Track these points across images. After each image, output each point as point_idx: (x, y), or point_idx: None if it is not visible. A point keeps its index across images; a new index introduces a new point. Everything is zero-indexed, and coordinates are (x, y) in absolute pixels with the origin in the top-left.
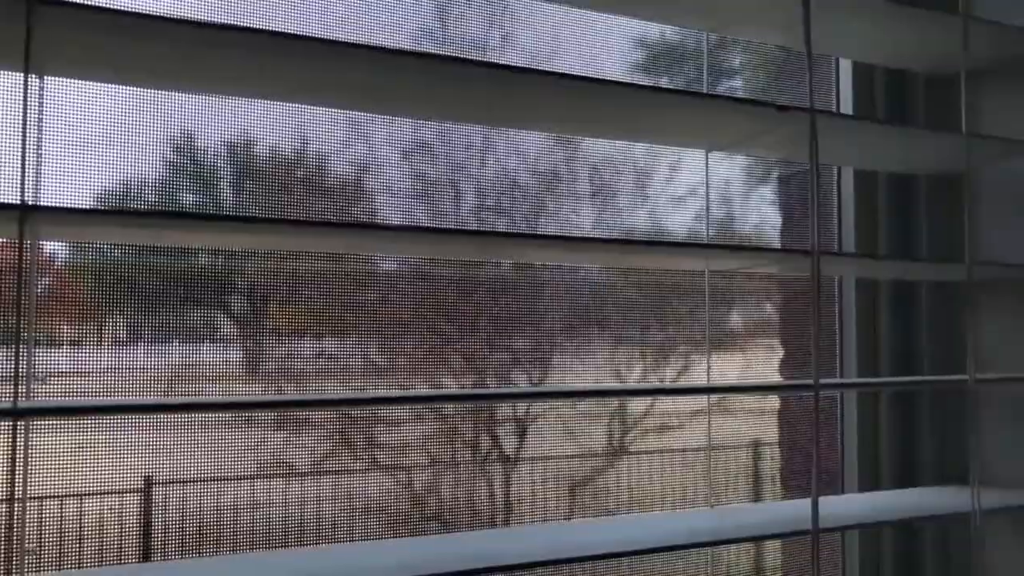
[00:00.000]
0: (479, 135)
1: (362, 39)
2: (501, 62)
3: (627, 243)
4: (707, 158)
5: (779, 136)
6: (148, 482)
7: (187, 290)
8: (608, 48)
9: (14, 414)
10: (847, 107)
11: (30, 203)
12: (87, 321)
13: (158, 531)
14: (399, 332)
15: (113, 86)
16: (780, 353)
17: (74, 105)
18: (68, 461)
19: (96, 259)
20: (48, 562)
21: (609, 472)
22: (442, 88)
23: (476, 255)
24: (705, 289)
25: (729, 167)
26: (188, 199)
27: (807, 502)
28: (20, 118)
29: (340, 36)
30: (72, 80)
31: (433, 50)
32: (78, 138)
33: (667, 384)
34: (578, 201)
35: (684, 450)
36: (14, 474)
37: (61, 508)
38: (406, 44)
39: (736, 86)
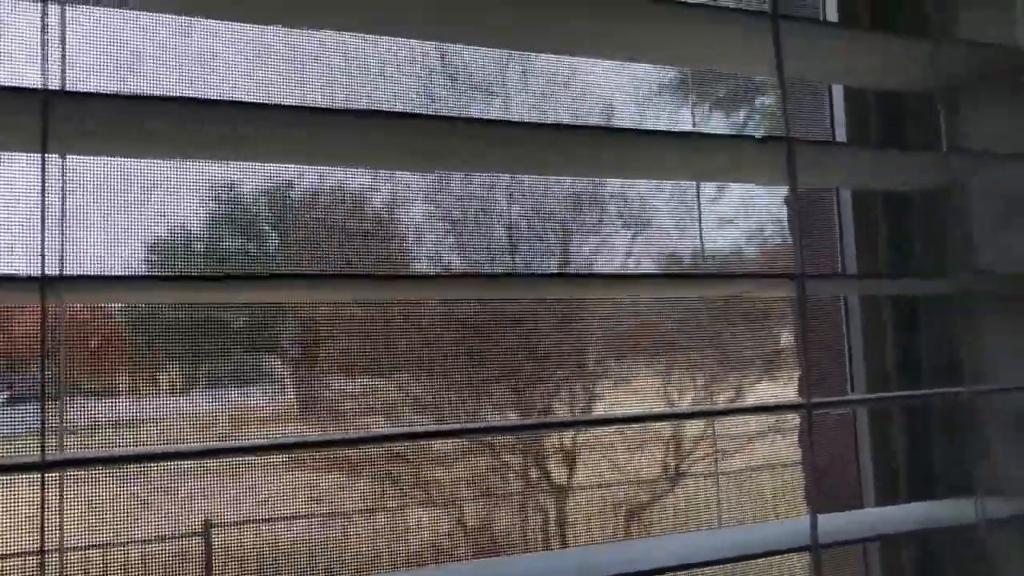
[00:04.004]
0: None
1: (377, 89)
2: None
3: (605, 277)
4: (698, 189)
5: (761, 166)
6: (207, 525)
7: (234, 335)
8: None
9: (42, 468)
10: (841, 130)
11: (55, 273)
12: (136, 371)
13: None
14: (441, 368)
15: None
16: (797, 371)
17: (99, 175)
18: (123, 508)
19: (140, 308)
20: None
21: (637, 496)
22: (431, 143)
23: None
24: (705, 314)
25: (744, 190)
26: (224, 253)
27: (807, 519)
28: (39, 196)
29: (355, 92)
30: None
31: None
32: (104, 206)
33: (658, 410)
34: (600, 231)
35: (725, 473)
36: (44, 529)
37: (125, 555)
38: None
39: (748, 112)
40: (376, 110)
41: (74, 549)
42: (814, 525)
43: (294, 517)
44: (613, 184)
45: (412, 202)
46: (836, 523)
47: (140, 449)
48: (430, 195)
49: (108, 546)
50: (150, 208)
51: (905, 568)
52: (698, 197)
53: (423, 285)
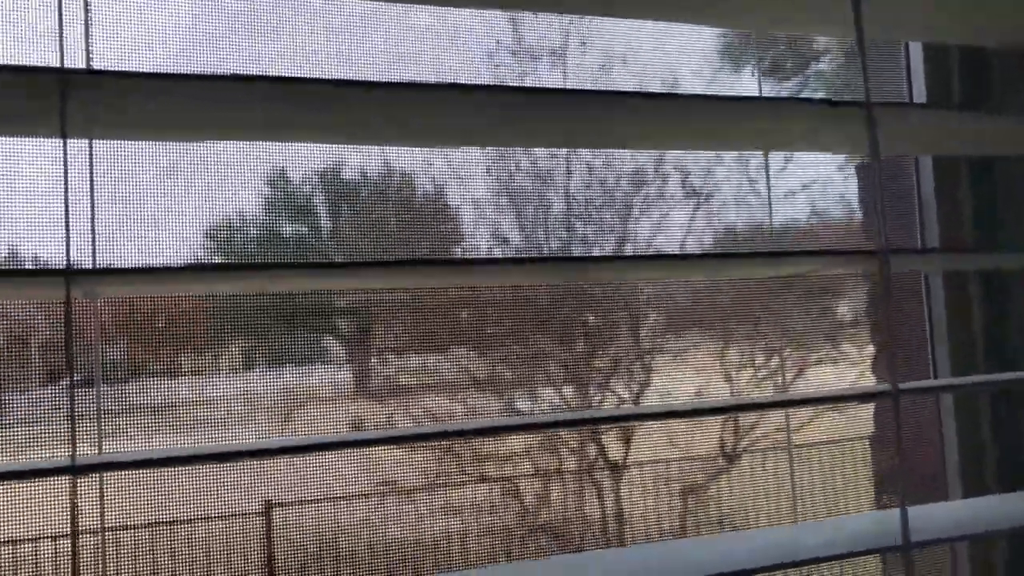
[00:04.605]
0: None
1: (437, 61)
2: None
3: (685, 258)
4: (767, 160)
5: (839, 133)
6: (268, 505)
7: (290, 315)
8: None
9: (72, 472)
10: (920, 93)
11: (86, 266)
12: (194, 352)
13: (280, 554)
14: (498, 345)
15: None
16: (871, 353)
17: (127, 161)
18: (188, 486)
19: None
20: None
21: (697, 481)
22: (505, 116)
23: (551, 280)
24: (775, 295)
25: (812, 160)
26: (258, 241)
27: (895, 513)
28: (63, 183)
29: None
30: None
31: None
32: (131, 194)
33: (735, 400)
34: (659, 206)
35: (799, 446)
36: (75, 536)
37: (190, 532)
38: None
39: (811, 79)
40: (416, 82)
41: (130, 528)
42: (905, 522)
43: (352, 496)
44: (672, 156)
45: (468, 180)
46: (927, 517)
47: (173, 450)
48: (486, 172)
49: (172, 524)
50: (184, 195)
51: (997, 560)
52: (766, 168)
53: (474, 271)
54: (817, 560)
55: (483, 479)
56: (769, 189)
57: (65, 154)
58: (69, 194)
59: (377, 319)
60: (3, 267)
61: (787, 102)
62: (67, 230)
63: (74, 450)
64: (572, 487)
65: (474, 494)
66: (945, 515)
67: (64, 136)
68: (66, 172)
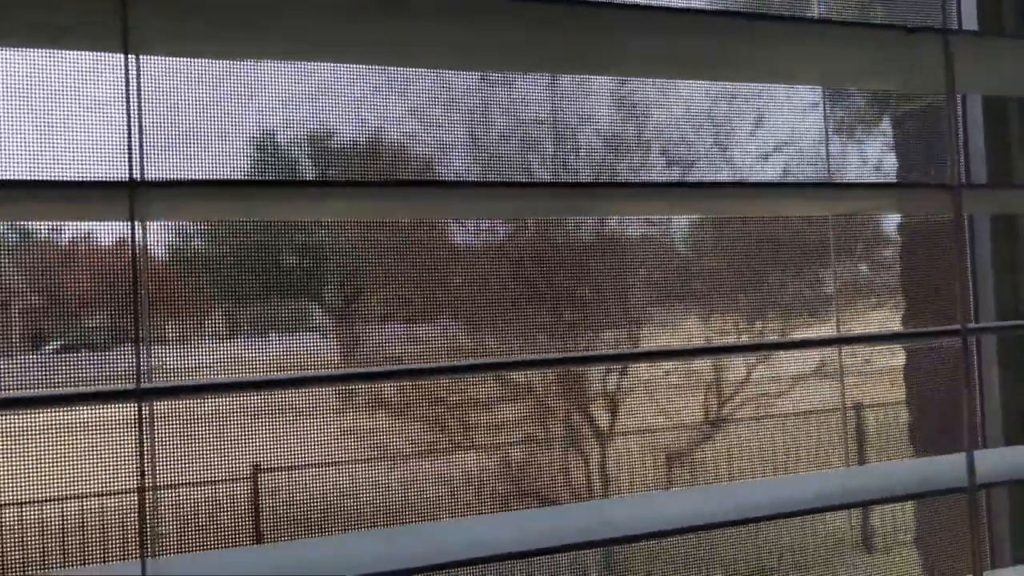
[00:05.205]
0: (545, 87)
1: None
2: None
3: (741, 186)
4: (824, 95)
5: (905, 64)
6: (256, 469)
7: (279, 283)
8: None
9: (137, 395)
10: (971, 26)
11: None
12: (191, 317)
13: (267, 516)
14: (485, 312)
15: (209, 63)
16: (902, 304)
17: (172, 84)
18: (181, 451)
19: (197, 255)
20: (166, 547)
21: (713, 443)
22: (512, 32)
23: (570, 211)
24: (830, 235)
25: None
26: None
27: (958, 458)
28: (123, 98)
29: None
30: (169, 59)
31: None
32: (178, 117)
33: (799, 337)
34: (662, 157)
35: (802, 413)
36: (143, 455)
37: (177, 495)
38: None
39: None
40: None
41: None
42: (971, 465)
43: (337, 462)
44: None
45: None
46: (991, 461)
47: (232, 378)
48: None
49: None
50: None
51: None
52: (824, 104)
53: (455, 195)
54: (882, 501)
55: (466, 446)
56: (827, 134)
57: (127, 66)
58: (119, 109)
59: (362, 286)
60: (69, 181)
61: (850, 28)
62: (129, 147)
63: (138, 374)
64: (557, 452)
65: (465, 461)
66: (1005, 459)
67: (126, 48)
68: (127, 85)
